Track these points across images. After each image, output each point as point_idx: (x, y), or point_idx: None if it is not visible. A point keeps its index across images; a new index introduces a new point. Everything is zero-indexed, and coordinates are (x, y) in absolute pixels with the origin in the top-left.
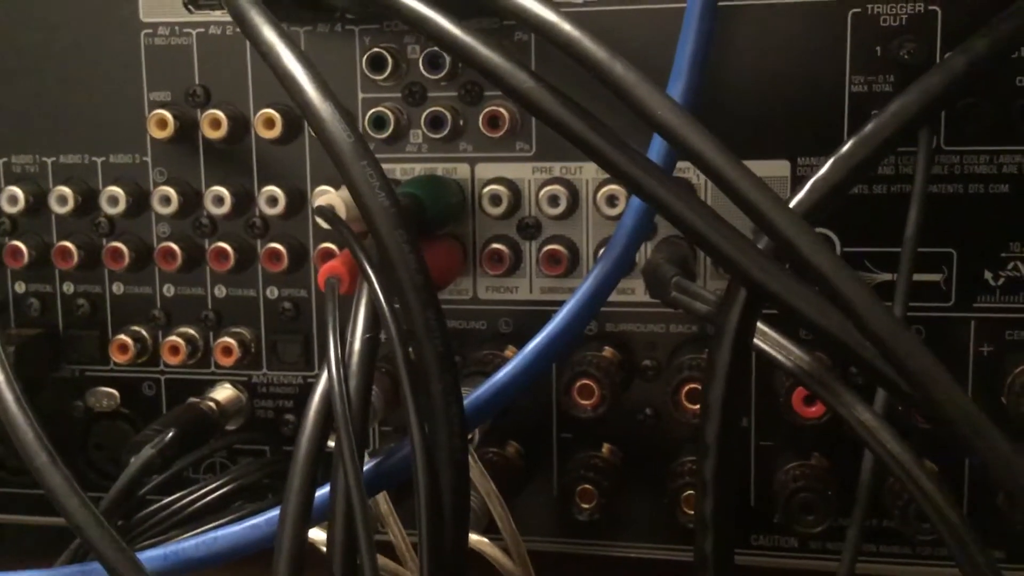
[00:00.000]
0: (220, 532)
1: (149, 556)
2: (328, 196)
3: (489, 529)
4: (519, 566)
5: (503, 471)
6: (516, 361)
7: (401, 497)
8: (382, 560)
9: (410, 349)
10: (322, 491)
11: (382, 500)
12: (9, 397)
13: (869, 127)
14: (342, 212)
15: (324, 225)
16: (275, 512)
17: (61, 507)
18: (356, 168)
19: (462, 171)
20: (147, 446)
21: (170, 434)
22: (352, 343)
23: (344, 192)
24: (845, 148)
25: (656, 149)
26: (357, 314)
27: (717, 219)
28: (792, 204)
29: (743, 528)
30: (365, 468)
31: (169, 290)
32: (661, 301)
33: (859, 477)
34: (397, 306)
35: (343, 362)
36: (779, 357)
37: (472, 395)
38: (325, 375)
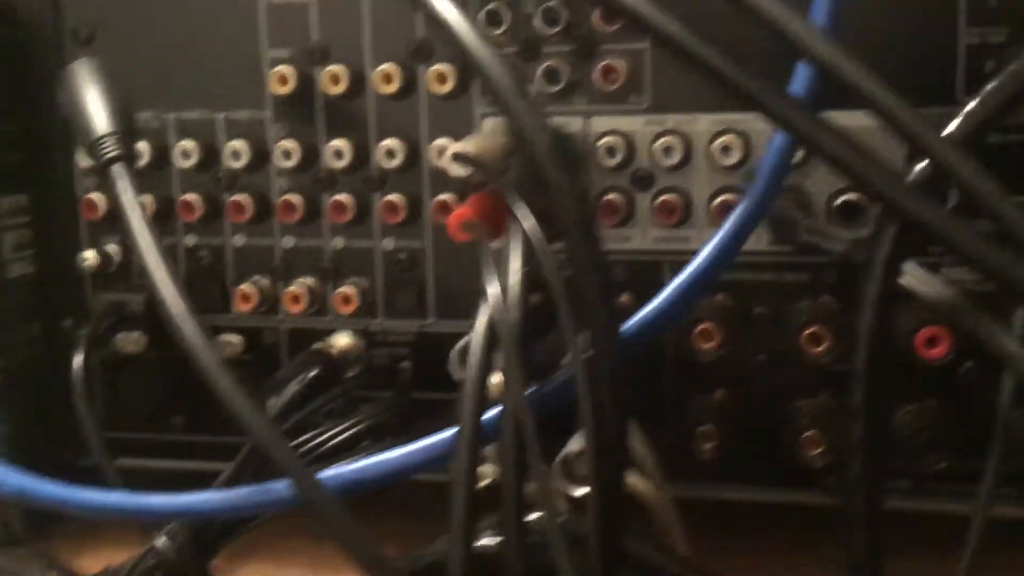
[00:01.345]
0: (389, 454)
1: (324, 476)
2: (460, 144)
3: None
4: (661, 497)
5: None
6: (658, 300)
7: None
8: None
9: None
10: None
11: None
12: (188, 326)
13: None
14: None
15: (457, 172)
16: (440, 436)
17: (248, 427)
18: (520, 106)
19: (576, 125)
20: (291, 382)
21: (314, 371)
22: (508, 277)
23: (470, 141)
24: (996, 82)
25: (799, 85)
26: (511, 249)
27: (868, 154)
28: (945, 133)
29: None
30: (527, 393)
31: (288, 242)
32: (790, 244)
33: (976, 419)
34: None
35: (504, 292)
36: (925, 290)
37: (629, 322)
38: (486, 305)
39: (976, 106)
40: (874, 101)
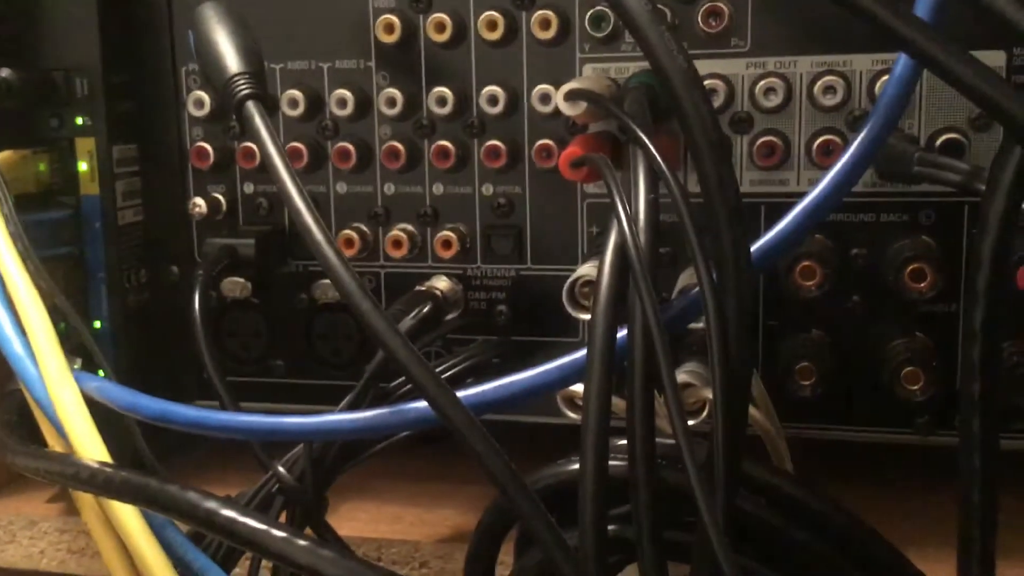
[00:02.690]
0: (517, 376)
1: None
2: (573, 82)
3: None
4: (771, 423)
5: None
6: (804, 204)
7: None
8: None
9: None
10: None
11: None
12: (331, 253)
13: None
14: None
15: (569, 111)
16: (566, 359)
17: (389, 347)
18: (655, 33)
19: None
20: (406, 318)
21: (427, 306)
22: (637, 204)
23: (577, 82)
24: None
25: (923, 6)
26: (637, 178)
27: (993, 74)
28: None
29: (950, 412)
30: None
31: (389, 188)
32: (900, 179)
33: None
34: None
35: (632, 218)
36: None
37: (762, 239)
38: (615, 229)
39: None
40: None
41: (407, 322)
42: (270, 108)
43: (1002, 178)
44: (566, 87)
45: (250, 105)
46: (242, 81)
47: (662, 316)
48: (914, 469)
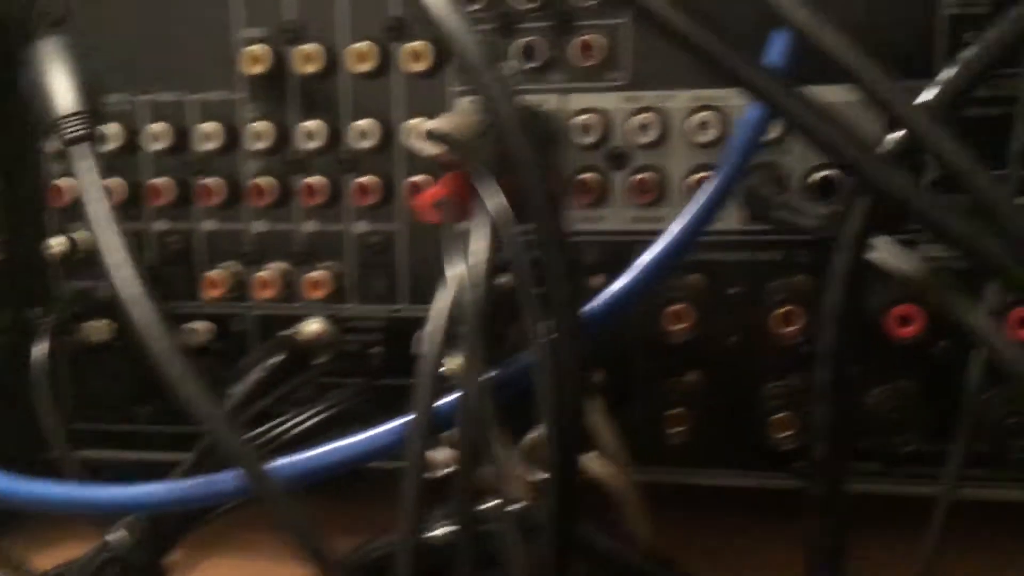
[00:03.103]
0: (342, 442)
1: (274, 466)
2: (434, 122)
3: None
4: (624, 482)
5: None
6: (633, 274)
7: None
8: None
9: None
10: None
11: None
12: (141, 311)
13: (992, 33)
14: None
15: (428, 151)
16: (397, 422)
17: (199, 416)
18: (488, 76)
19: (552, 102)
20: (255, 369)
21: (280, 357)
22: (473, 257)
23: (443, 120)
24: (971, 52)
25: (774, 55)
26: (477, 229)
27: (839, 124)
28: (921, 102)
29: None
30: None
31: (260, 226)
32: (763, 222)
33: (950, 398)
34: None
35: (467, 272)
36: (898, 265)
37: (596, 301)
38: (449, 285)
39: (953, 75)
40: (849, 68)
41: (253, 375)
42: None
43: (847, 230)
44: (426, 126)
45: (76, 149)
46: (73, 122)
47: (499, 376)
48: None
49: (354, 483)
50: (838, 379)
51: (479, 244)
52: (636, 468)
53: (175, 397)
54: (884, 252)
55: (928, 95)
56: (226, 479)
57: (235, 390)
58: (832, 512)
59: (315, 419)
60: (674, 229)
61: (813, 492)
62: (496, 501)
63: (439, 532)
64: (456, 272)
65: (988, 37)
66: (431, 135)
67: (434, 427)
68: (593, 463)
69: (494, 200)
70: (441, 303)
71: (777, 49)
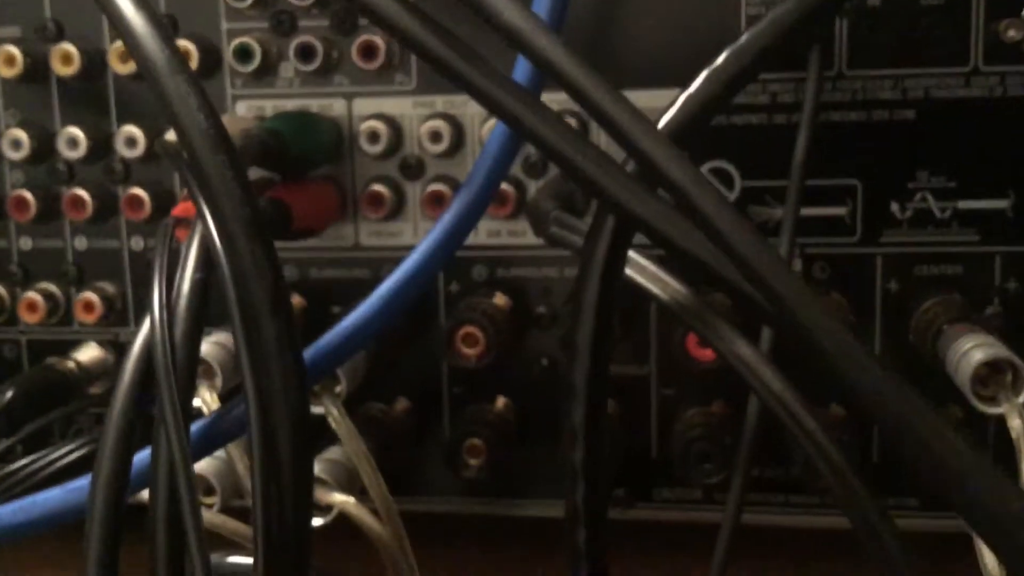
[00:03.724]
0: (41, 496)
1: None
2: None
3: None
4: (388, 527)
5: (390, 428)
6: (366, 304)
7: None
8: (233, 524)
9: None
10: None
11: (239, 461)
12: None
13: (744, 38)
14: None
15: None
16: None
17: None
18: (170, 84)
19: (339, 107)
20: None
21: (8, 394)
22: (180, 285)
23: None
24: (719, 61)
25: (521, 73)
26: (188, 252)
27: (580, 138)
28: (663, 121)
29: (646, 481)
30: (195, 427)
31: (26, 243)
32: (542, 238)
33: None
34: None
35: (168, 307)
36: (655, 291)
37: (316, 343)
38: (147, 323)
39: (698, 87)
40: (571, 86)
41: None
42: None
43: (595, 253)
44: (166, 136)
45: None
46: None
47: (200, 431)
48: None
49: None
50: (591, 418)
51: (187, 269)
52: (443, 499)
53: None
54: (642, 274)
55: (668, 115)
56: None
57: None
58: (591, 558)
59: (75, 454)
60: (415, 253)
61: (571, 539)
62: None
63: None
64: (154, 306)
65: (734, 45)
66: (160, 145)
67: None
68: (351, 507)
69: (209, 221)
70: (138, 340)
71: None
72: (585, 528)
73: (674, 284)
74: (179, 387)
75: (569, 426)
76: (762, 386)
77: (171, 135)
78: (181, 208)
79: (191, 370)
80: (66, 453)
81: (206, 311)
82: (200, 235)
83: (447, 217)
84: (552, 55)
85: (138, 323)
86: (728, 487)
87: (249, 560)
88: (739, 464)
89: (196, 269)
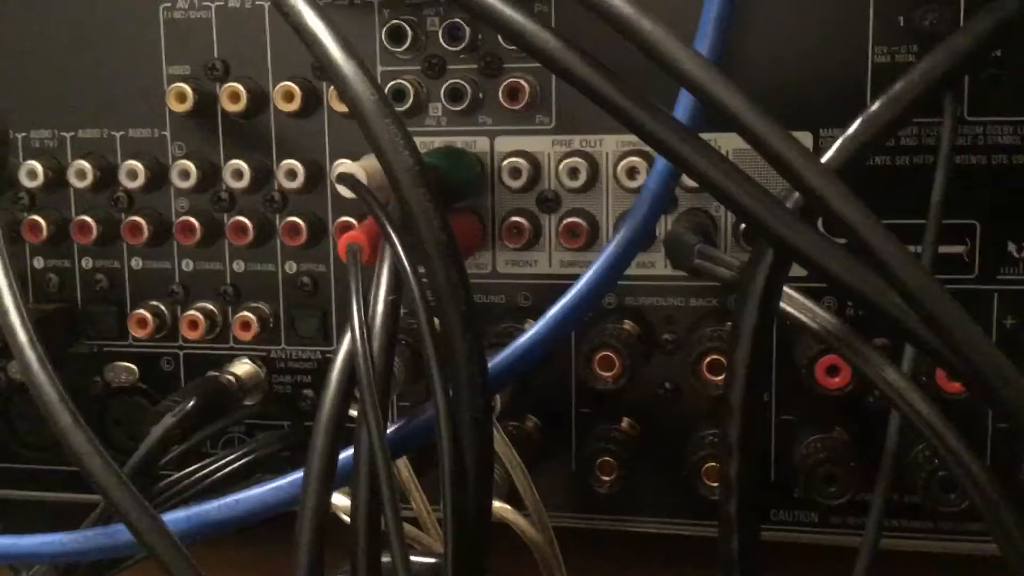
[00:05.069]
0: (242, 495)
1: (172, 518)
2: (349, 164)
3: (511, 500)
4: (542, 533)
5: (522, 445)
6: (537, 327)
7: (423, 468)
8: (405, 527)
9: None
10: (345, 455)
11: (404, 469)
12: (32, 358)
13: (896, 86)
14: (363, 180)
15: (346, 193)
16: (298, 475)
17: (84, 468)
18: (380, 125)
19: (481, 144)
20: (167, 415)
21: (191, 403)
22: (375, 306)
23: (365, 161)
24: (873, 108)
25: (681, 111)
26: (380, 277)
27: (744, 176)
28: (823, 160)
29: (764, 503)
30: (388, 431)
31: (188, 265)
32: (684, 270)
33: (883, 448)
34: (420, 269)
35: (366, 324)
36: (807, 321)
37: (493, 360)
38: (348, 337)
39: (855, 131)
40: (743, 125)
41: (166, 420)
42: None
43: (753, 284)
44: (339, 168)
45: None
46: None
47: (402, 429)
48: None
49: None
50: (746, 434)
51: (380, 294)
52: (569, 515)
53: (64, 450)
54: (794, 305)
55: (828, 153)
56: (124, 530)
57: (138, 451)
58: (743, 566)
59: (238, 463)
60: (581, 281)
61: (725, 549)
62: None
63: None
64: (355, 322)
65: (888, 92)
66: (339, 179)
67: (332, 481)
68: (508, 513)
69: (398, 248)
70: (340, 356)
71: (685, 100)
72: (738, 537)
73: (823, 314)
74: (378, 394)
75: (725, 443)
76: (911, 409)
77: (344, 167)
78: (352, 235)
79: (387, 379)
80: (231, 461)
81: (398, 327)
82: (390, 260)
83: (611, 247)
84: (729, 102)
85: (288, 342)
86: (846, 511)
87: (421, 560)
88: (879, 484)
89: (389, 291)
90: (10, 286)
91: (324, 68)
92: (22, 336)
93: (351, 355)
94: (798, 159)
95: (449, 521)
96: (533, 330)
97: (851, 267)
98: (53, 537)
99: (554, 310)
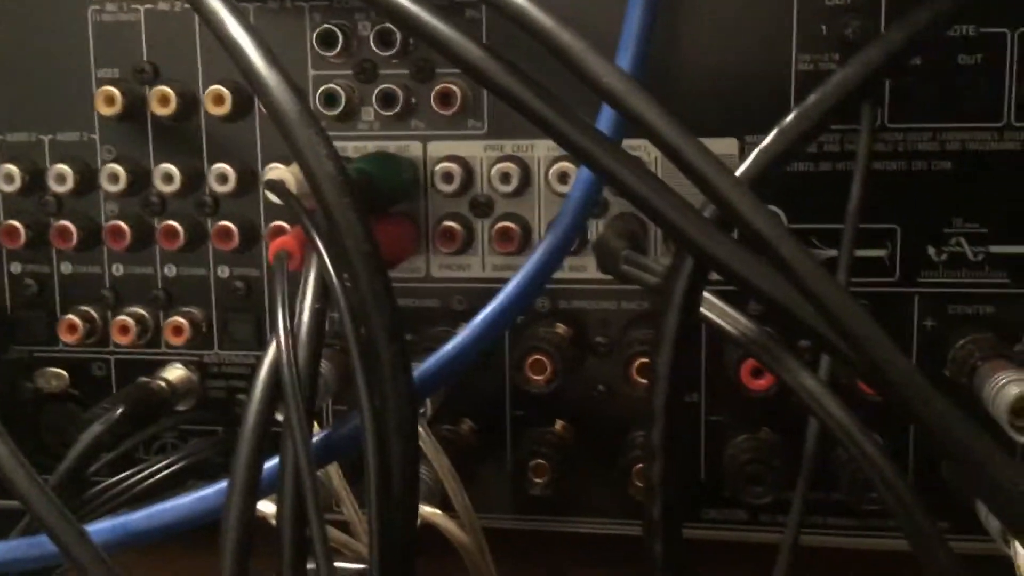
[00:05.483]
0: (168, 504)
1: (96, 529)
2: (279, 171)
3: (443, 505)
4: (471, 538)
5: (457, 448)
6: (465, 332)
7: (356, 475)
8: (334, 533)
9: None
10: (272, 463)
11: (335, 475)
12: None
13: (811, 99)
14: (292, 187)
15: (275, 200)
16: (223, 484)
17: (6, 479)
18: (303, 135)
19: (414, 149)
20: (95, 423)
21: (119, 411)
22: (301, 314)
23: (295, 168)
24: (788, 119)
25: (605, 121)
26: (306, 285)
27: (663, 187)
28: (738, 171)
29: (693, 502)
30: (314, 439)
31: (118, 269)
32: (611, 275)
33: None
34: (346, 277)
35: (292, 333)
36: (726, 326)
37: (421, 367)
38: (273, 346)
39: (769, 142)
40: (658, 137)
41: (94, 428)
42: None
43: (675, 290)
44: (267, 174)
45: None
46: None
47: (318, 443)
48: None
49: None
50: (669, 437)
51: (306, 300)
52: (504, 516)
53: None
54: (714, 311)
55: (744, 165)
56: (46, 541)
57: (65, 460)
58: (668, 567)
59: (169, 470)
60: (509, 286)
61: (649, 553)
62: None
63: None
64: (280, 330)
65: (803, 105)
66: (267, 185)
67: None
68: (437, 517)
69: (324, 257)
70: (264, 366)
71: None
72: (663, 543)
73: (743, 320)
74: (304, 402)
75: (648, 446)
76: (826, 414)
77: (273, 173)
78: (282, 241)
79: (313, 387)
80: (163, 467)
81: (324, 337)
82: (316, 269)
83: (538, 253)
84: (646, 114)
85: (221, 347)
86: (775, 509)
87: (350, 566)
88: (799, 486)
89: (315, 300)
90: None
91: (247, 77)
92: None
93: (276, 364)
94: (711, 170)
95: (375, 529)
96: (462, 335)
97: (766, 275)
98: None
99: (483, 315)
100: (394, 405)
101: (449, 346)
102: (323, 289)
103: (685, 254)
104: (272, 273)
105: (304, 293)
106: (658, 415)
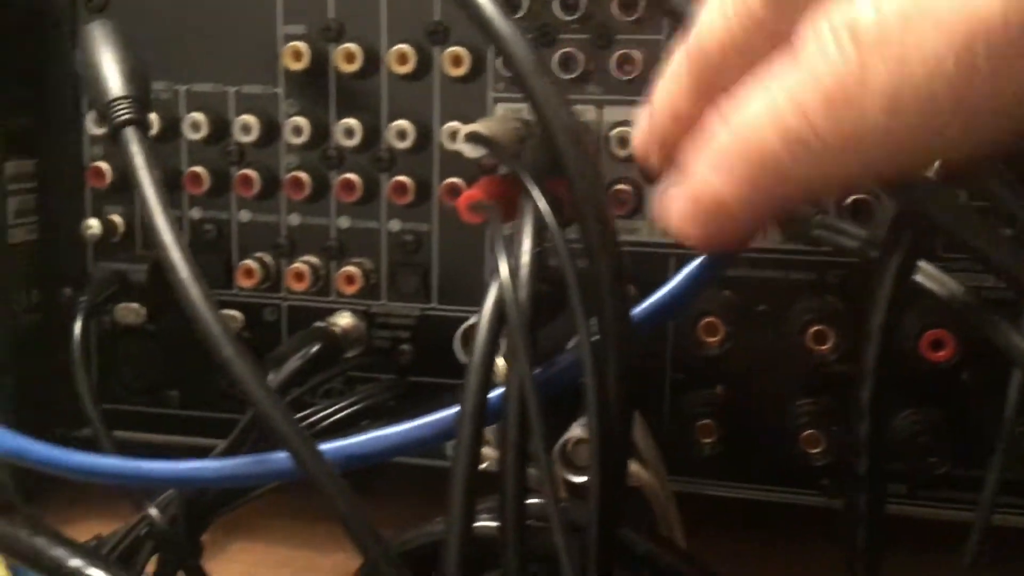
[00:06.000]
0: (390, 429)
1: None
2: (474, 125)
3: None
4: (657, 480)
5: None
6: (680, 278)
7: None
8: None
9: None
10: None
11: None
12: (195, 292)
13: None
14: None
15: (470, 153)
16: (441, 414)
17: (251, 396)
18: (538, 85)
19: (589, 114)
20: (293, 357)
21: (316, 347)
22: (520, 257)
23: (480, 124)
24: None
25: None
26: (523, 231)
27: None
28: None
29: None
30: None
31: (295, 219)
32: (801, 240)
33: (986, 422)
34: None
35: (514, 271)
36: (935, 288)
37: (637, 308)
38: (495, 286)
39: None
40: None
41: (292, 362)
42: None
43: (893, 253)
44: (466, 129)
45: (127, 131)
46: (122, 105)
47: (541, 375)
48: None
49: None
50: (877, 397)
51: (526, 243)
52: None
53: (226, 375)
54: (925, 275)
55: None
56: (279, 458)
57: (272, 377)
58: (872, 527)
59: (347, 411)
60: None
61: (852, 509)
62: (539, 500)
63: (486, 525)
64: (503, 272)
65: None
66: (473, 138)
67: (482, 421)
68: (632, 467)
69: (541, 203)
70: (489, 301)
71: None
72: (867, 530)
73: (953, 284)
74: (525, 338)
75: (856, 405)
76: None
77: (472, 127)
78: (472, 193)
79: (534, 325)
80: (341, 408)
81: (542, 278)
82: (534, 215)
83: None
84: None
85: (389, 298)
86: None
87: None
88: (993, 464)
89: (534, 245)
90: (173, 226)
91: (484, 28)
92: (187, 270)
93: (499, 300)
94: None
95: (596, 473)
96: (673, 283)
97: (994, 240)
98: (208, 463)
99: (689, 269)
100: (615, 346)
101: (657, 295)
102: (541, 233)
103: (906, 215)
104: (445, 232)
105: (521, 238)
106: (868, 374)
